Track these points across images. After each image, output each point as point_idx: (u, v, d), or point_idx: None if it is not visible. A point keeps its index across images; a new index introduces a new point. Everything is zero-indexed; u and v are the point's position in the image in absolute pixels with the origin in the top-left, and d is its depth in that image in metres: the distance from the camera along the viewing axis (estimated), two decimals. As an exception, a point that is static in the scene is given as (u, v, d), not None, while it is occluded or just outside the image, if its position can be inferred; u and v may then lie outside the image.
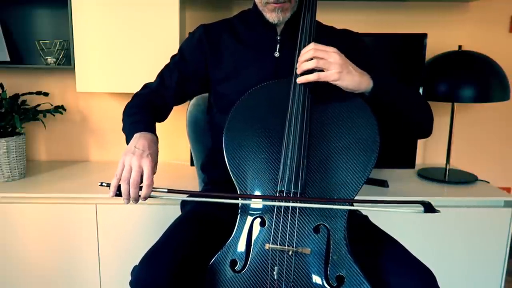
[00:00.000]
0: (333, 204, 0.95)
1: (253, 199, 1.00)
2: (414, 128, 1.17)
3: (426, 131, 1.19)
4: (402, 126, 1.14)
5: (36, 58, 2.00)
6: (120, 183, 0.95)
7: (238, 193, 1.02)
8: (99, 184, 0.98)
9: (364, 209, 0.96)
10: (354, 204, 0.99)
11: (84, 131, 2.14)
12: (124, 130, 1.13)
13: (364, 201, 0.98)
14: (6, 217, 1.69)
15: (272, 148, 1.01)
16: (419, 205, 0.91)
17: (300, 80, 1.02)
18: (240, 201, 1.01)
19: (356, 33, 1.27)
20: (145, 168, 0.95)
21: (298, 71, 1.04)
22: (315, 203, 0.95)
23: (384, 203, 0.97)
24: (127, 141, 1.08)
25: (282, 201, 0.97)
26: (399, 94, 1.12)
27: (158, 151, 1.04)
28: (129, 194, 0.95)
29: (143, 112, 1.15)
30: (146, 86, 1.27)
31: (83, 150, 2.16)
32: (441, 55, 1.91)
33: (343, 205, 0.96)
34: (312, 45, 1.02)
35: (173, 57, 1.29)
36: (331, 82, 1.01)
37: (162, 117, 1.26)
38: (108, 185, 0.96)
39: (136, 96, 1.24)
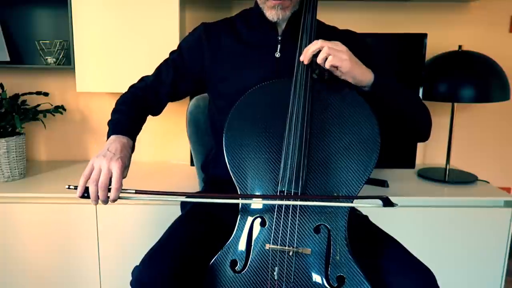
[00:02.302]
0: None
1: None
2: (412, 129, 1.17)
3: (424, 133, 1.19)
4: (400, 125, 1.14)
5: (36, 58, 2.00)
6: (88, 185, 0.96)
7: (239, 193, 1.02)
8: (66, 187, 0.97)
9: (321, 204, 0.96)
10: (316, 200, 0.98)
11: (84, 131, 2.14)
12: (108, 124, 1.15)
13: (319, 196, 0.97)
14: (6, 217, 1.69)
15: (273, 148, 1.01)
16: (378, 199, 0.93)
17: (328, 65, 1.00)
18: (216, 200, 1.01)
19: (358, 33, 1.27)
20: (114, 171, 0.96)
21: (307, 58, 1.03)
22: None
23: (343, 197, 0.97)
24: (107, 137, 1.10)
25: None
26: (398, 93, 1.13)
27: (130, 156, 1.06)
28: (97, 196, 0.96)
29: (129, 111, 1.17)
30: (143, 79, 1.29)
31: (83, 150, 2.16)
32: (441, 55, 1.90)
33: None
34: (319, 41, 1.02)
35: (172, 53, 1.30)
36: (343, 71, 1.01)
37: (155, 112, 1.28)
38: (76, 187, 0.97)
39: (131, 88, 1.26)
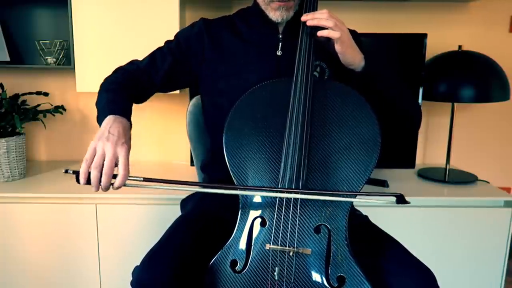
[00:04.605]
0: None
1: (238, 192, 1.00)
2: (403, 117, 1.17)
3: (414, 123, 1.20)
4: (390, 113, 1.14)
5: (36, 58, 2.00)
6: (90, 170, 0.90)
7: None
8: (64, 171, 0.91)
9: (337, 199, 0.95)
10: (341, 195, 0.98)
11: (84, 131, 2.14)
12: (98, 104, 1.07)
13: (337, 192, 0.97)
14: (6, 217, 1.69)
15: (273, 147, 1.01)
16: (392, 196, 0.91)
17: (322, 33, 1.04)
18: (215, 190, 0.99)
19: (355, 32, 1.27)
20: (121, 156, 0.91)
21: (312, 22, 1.05)
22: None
23: (358, 194, 0.96)
24: (99, 119, 1.03)
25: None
26: (388, 80, 1.14)
27: (131, 138, 0.99)
28: (99, 182, 0.90)
29: (123, 91, 1.11)
30: (133, 63, 1.24)
31: (83, 150, 2.16)
32: (441, 55, 1.91)
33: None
34: (328, 18, 1.04)
35: (167, 42, 1.27)
36: (337, 50, 1.05)
37: (142, 98, 1.21)
38: (75, 172, 0.90)
39: (119, 70, 1.21)
